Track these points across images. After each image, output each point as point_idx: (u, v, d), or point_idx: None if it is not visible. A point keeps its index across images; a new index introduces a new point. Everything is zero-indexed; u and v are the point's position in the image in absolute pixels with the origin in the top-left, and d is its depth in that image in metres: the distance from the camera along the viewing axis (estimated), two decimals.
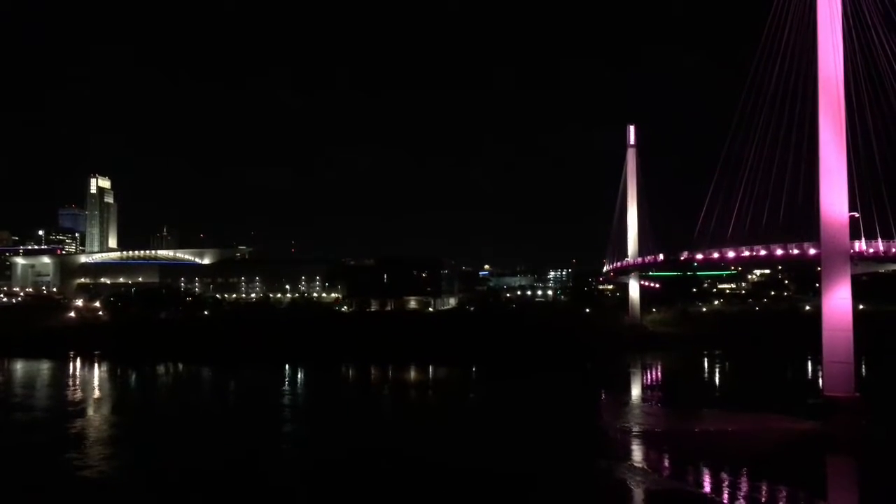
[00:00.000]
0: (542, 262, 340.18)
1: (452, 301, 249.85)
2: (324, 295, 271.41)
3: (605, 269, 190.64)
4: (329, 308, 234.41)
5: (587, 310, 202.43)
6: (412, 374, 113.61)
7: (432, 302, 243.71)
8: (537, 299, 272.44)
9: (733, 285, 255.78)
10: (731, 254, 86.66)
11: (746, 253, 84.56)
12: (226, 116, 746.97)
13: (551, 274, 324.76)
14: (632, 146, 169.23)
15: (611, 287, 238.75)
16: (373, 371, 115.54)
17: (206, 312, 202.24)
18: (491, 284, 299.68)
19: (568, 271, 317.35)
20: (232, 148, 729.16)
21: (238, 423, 71.25)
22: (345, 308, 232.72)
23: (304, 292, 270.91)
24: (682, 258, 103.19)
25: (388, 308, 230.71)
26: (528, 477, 47.01)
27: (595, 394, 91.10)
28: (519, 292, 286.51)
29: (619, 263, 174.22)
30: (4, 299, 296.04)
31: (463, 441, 58.74)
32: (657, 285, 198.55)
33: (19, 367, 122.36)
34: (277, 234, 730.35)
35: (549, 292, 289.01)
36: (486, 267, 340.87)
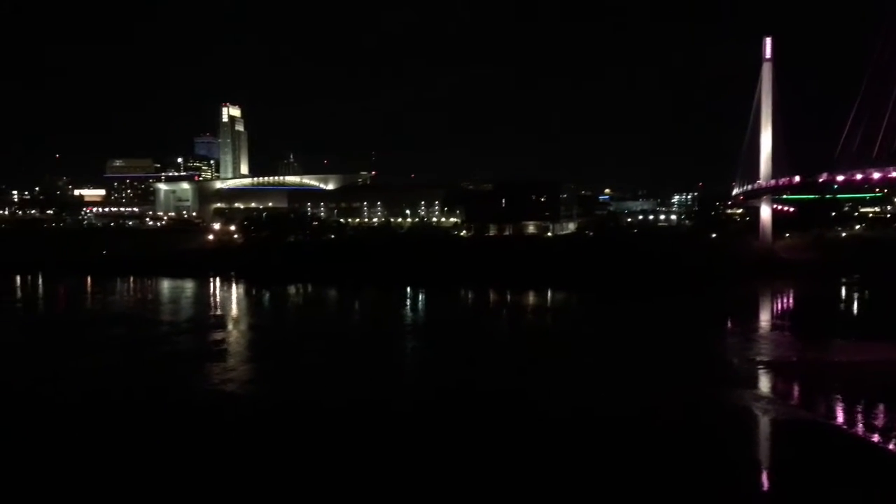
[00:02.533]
0: (665, 186, 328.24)
1: (571, 226, 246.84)
2: (442, 219, 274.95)
3: (734, 192, 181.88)
4: (447, 232, 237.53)
5: (713, 235, 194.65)
6: (530, 298, 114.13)
7: (550, 227, 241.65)
8: (659, 224, 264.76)
9: (877, 209, 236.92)
10: (876, 175, 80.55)
11: (895, 174, 78.03)
12: (335, 39, 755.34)
13: (675, 198, 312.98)
14: (767, 60, 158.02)
15: (739, 211, 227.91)
16: (490, 295, 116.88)
17: (331, 236, 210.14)
18: (611, 209, 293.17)
19: (693, 195, 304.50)
20: (346, 73, 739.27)
21: (361, 342, 74.30)
22: (463, 233, 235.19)
23: (423, 217, 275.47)
24: (819, 180, 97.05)
25: (506, 233, 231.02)
26: (650, 409, 46.47)
27: (720, 321, 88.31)
28: (640, 217, 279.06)
29: (749, 186, 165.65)
30: (150, 223, 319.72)
31: (582, 370, 58.36)
32: (791, 209, 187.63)
33: (165, 285, 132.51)
34: (397, 159, 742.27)
35: (673, 217, 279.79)
36: (607, 191, 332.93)
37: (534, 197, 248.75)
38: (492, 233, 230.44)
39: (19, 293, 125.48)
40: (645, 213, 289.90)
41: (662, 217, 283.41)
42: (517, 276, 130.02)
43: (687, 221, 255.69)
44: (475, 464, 35.98)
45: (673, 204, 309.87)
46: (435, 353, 68.42)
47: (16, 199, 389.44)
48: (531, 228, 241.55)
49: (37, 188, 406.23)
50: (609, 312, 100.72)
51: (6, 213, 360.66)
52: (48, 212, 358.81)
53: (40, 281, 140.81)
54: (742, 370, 59.29)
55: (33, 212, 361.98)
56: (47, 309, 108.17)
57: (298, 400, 48.84)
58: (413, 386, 55.20)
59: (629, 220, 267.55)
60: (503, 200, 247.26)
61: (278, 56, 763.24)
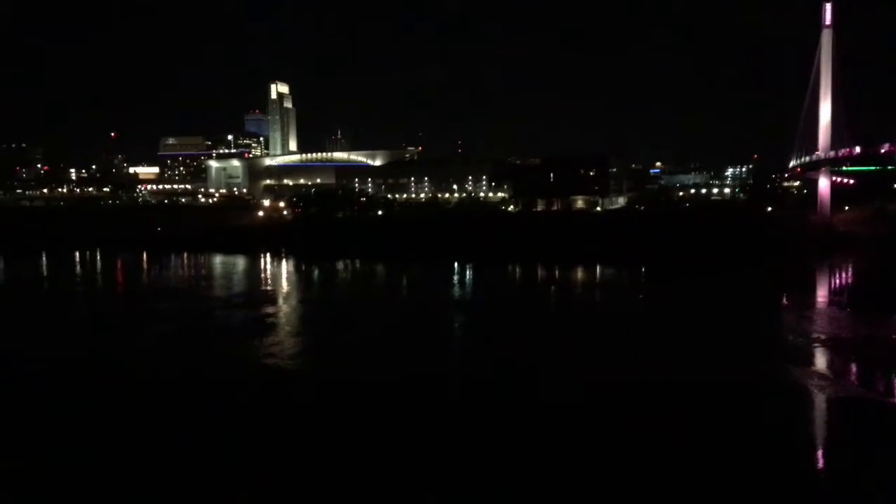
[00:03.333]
0: (718, 159, 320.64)
1: (621, 200, 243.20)
2: (490, 194, 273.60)
3: (791, 164, 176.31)
4: (495, 207, 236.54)
5: (769, 208, 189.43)
6: (579, 273, 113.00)
7: (600, 201, 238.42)
8: (713, 198, 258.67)
9: None
10: None
11: None
12: (382, 14, 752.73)
13: (729, 171, 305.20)
14: (827, 27, 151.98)
15: (796, 184, 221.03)
16: (539, 270, 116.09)
17: (378, 212, 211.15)
18: (662, 183, 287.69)
19: (748, 168, 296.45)
20: (393, 49, 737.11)
21: (411, 317, 74.53)
22: (510, 207, 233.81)
23: (470, 192, 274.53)
24: (882, 151, 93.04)
25: (555, 207, 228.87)
26: (706, 386, 45.61)
27: (776, 296, 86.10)
28: (693, 191, 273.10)
29: (807, 158, 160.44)
30: (202, 200, 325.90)
31: (634, 347, 57.39)
32: (850, 181, 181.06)
33: (218, 261, 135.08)
34: (444, 134, 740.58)
35: (727, 190, 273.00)
36: (658, 164, 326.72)
37: (582, 171, 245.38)
38: (540, 208, 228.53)
39: (79, 269, 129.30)
40: (697, 186, 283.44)
41: (716, 191, 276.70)
42: (565, 251, 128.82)
43: (741, 195, 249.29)
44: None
45: (726, 177, 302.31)
46: (484, 328, 68.21)
47: (74, 178, 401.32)
48: (580, 203, 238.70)
49: (93, 166, 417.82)
50: (661, 288, 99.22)
51: (65, 190, 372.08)
52: (104, 189, 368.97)
53: (98, 257, 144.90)
54: (799, 347, 57.73)
55: (90, 189, 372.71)
56: (106, 284, 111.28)
57: (351, 375, 49.16)
58: (470, 361, 54.88)
59: (681, 193, 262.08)
60: (551, 175, 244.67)
61: (326, 31, 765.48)
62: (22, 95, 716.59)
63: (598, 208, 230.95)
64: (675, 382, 45.86)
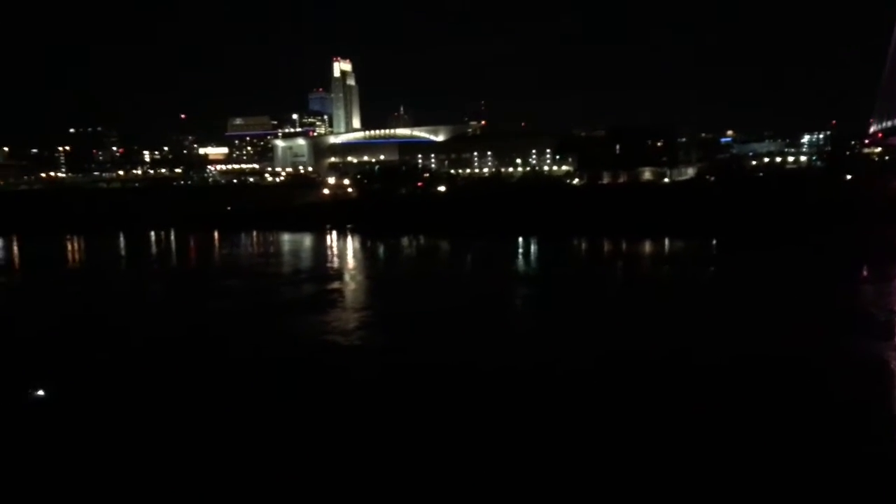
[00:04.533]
0: (793, 126, 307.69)
1: (690, 171, 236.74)
2: (554, 168, 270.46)
3: (872, 129, 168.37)
4: (559, 181, 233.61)
5: (847, 176, 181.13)
6: (646, 246, 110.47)
7: (668, 172, 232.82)
8: (788, 166, 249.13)
9: None
10: None
11: None
12: None
13: (805, 138, 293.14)
14: None
15: (878, 150, 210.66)
16: (605, 244, 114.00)
17: (441, 188, 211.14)
18: (734, 152, 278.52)
19: (826, 134, 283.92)
20: (457, 23, 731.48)
21: (477, 293, 74.17)
22: (576, 181, 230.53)
23: (534, 166, 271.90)
24: None
25: (621, 180, 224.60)
26: (784, 360, 43.92)
27: (856, 269, 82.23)
28: (766, 160, 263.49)
29: (889, 122, 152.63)
30: (269, 179, 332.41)
31: (706, 322, 55.67)
32: None
33: (285, 238, 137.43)
34: (507, 108, 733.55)
35: (803, 158, 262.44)
36: (729, 133, 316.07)
37: (649, 142, 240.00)
38: (605, 181, 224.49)
39: (154, 248, 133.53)
40: (771, 155, 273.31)
41: (791, 159, 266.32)
42: (633, 224, 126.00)
43: (818, 163, 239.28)
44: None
45: (802, 145, 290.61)
46: (552, 305, 67.35)
47: (147, 159, 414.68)
48: (647, 175, 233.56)
49: (165, 148, 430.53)
50: (734, 261, 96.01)
51: (139, 172, 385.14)
52: (176, 170, 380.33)
53: (172, 236, 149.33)
54: (879, 321, 54.93)
55: (163, 170, 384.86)
56: (179, 262, 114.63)
57: (419, 351, 49.15)
58: (543, 338, 54.13)
59: (754, 163, 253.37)
60: (617, 147, 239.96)
61: (390, 5, 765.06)
62: (96, 80, 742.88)
63: (667, 180, 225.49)
64: (766, 356, 44.41)
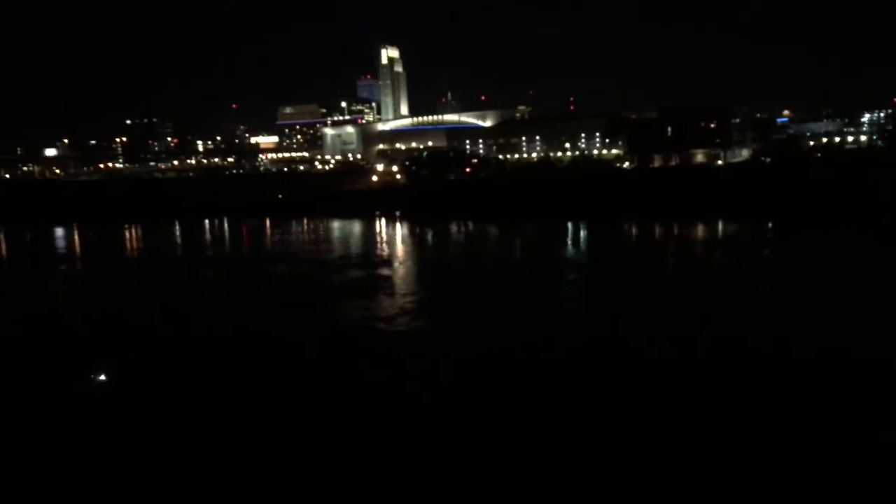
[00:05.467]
0: (853, 105, 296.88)
1: (745, 152, 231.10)
2: (604, 151, 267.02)
3: None
4: (609, 165, 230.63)
5: None
6: (699, 231, 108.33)
7: (721, 154, 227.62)
8: (847, 146, 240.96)
9: None
10: None
11: None
12: None
13: (865, 117, 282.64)
14: None
15: None
16: (657, 228, 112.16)
17: (489, 173, 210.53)
18: (790, 132, 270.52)
19: (887, 113, 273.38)
20: (503, 6, 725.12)
21: (525, 280, 73.85)
22: (625, 165, 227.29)
23: (583, 150, 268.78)
24: None
25: (673, 163, 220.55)
26: (841, 348, 42.54)
27: None
28: (825, 140, 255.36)
29: None
30: (319, 166, 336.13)
31: (766, 312, 53.67)
32: None
33: (335, 225, 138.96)
34: (555, 91, 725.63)
35: (863, 138, 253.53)
36: (786, 113, 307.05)
37: (702, 123, 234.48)
38: (656, 164, 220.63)
39: (208, 235, 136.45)
40: (830, 135, 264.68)
41: (850, 139, 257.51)
42: (686, 207, 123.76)
43: (880, 142, 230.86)
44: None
45: (863, 124, 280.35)
46: (604, 291, 66.62)
47: (200, 149, 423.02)
48: (700, 157, 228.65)
49: (217, 137, 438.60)
50: (795, 245, 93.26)
51: (193, 161, 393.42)
52: (228, 159, 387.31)
53: (225, 223, 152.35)
54: None
55: (216, 159, 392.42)
56: (232, 249, 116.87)
57: (471, 342, 49.13)
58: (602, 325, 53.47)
59: (811, 143, 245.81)
60: (668, 128, 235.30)
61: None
62: (150, 71, 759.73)
63: (720, 162, 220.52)
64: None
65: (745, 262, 79.65)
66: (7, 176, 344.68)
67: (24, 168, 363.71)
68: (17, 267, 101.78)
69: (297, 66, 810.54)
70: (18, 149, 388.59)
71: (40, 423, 34.21)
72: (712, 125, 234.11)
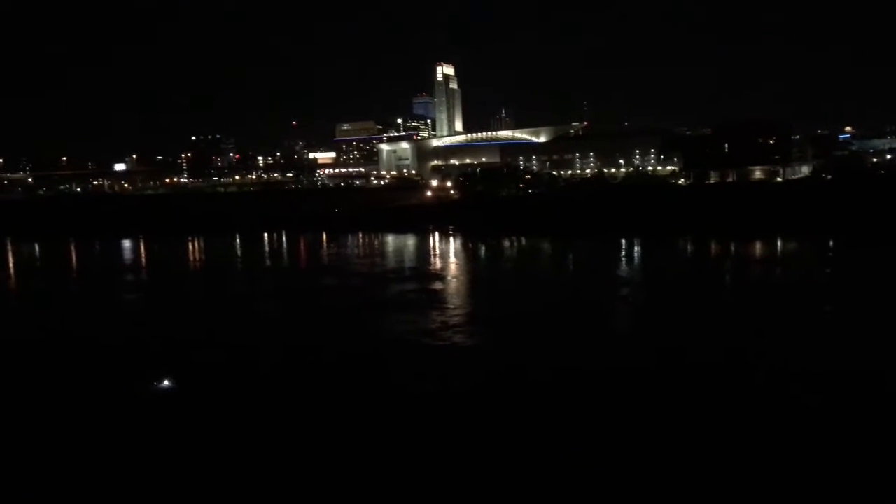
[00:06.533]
0: None
1: (805, 169, 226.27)
2: (658, 168, 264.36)
3: None
4: (664, 181, 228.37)
5: None
6: (756, 247, 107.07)
7: (780, 171, 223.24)
8: None
9: None
10: None
11: None
12: None
13: None
14: None
15: None
16: (712, 245, 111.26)
17: (543, 189, 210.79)
18: (853, 148, 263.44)
19: None
20: (556, 19, 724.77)
21: (577, 296, 74.43)
22: (681, 181, 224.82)
23: (637, 165, 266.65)
24: None
25: (730, 179, 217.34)
26: None
27: None
28: (889, 156, 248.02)
29: None
30: (375, 182, 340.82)
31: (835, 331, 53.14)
32: None
33: (390, 239, 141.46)
34: (610, 107, 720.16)
35: None
36: (847, 129, 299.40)
37: (760, 139, 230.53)
38: (713, 180, 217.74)
39: (266, 247, 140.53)
40: (894, 151, 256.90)
41: None
42: (743, 223, 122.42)
43: None
44: None
45: None
46: (657, 310, 66.88)
47: (261, 164, 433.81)
48: (758, 174, 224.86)
49: (277, 153, 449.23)
50: (854, 264, 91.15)
51: (254, 176, 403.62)
52: (288, 174, 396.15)
53: (284, 236, 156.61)
54: None
55: (275, 175, 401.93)
56: (290, 261, 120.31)
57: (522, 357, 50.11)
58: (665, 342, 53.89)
59: (875, 160, 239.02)
60: (725, 144, 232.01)
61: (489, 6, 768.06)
62: (216, 90, 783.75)
63: (779, 178, 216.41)
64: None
65: (806, 281, 78.34)
66: (78, 189, 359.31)
67: (95, 182, 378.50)
68: (86, 276, 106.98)
69: (356, 84, 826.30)
70: (90, 163, 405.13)
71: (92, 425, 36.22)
72: (771, 141, 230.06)
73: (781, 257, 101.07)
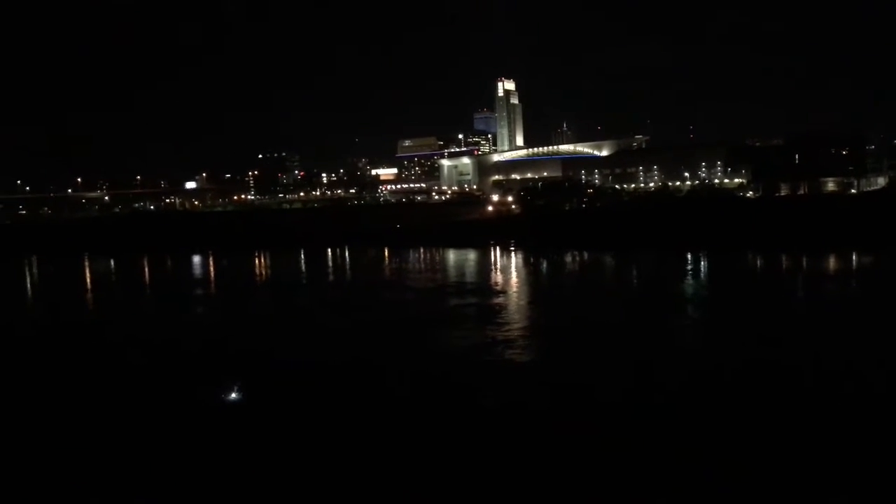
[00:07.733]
0: None
1: (881, 181, 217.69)
2: (725, 181, 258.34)
3: None
4: (731, 194, 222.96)
5: None
6: (830, 261, 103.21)
7: (855, 182, 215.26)
8: None
9: None
10: None
11: None
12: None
13: None
14: None
15: None
16: (782, 259, 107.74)
17: (606, 203, 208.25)
18: None
19: None
20: (620, 32, 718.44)
21: (644, 313, 73.00)
22: (749, 193, 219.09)
23: (703, 178, 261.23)
24: None
25: (801, 192, 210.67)
26: None
27: None
28: None
29: None
30: (436, 197, 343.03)
31: None
32: None
33: (451, 255, 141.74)
34: (673, 118, 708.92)
35: None
36: None
37: (833, 150, 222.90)
38: (784, 192, 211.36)
39: (329, 262, 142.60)
40: None
41: None
42: (816, 237, 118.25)
43: None
44: None
45: None
46: (726, 327, 65.01)
47: (325, 181, 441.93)
48: (830, 185, 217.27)
49: (341, 170, 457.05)
50: None
51: (318, 193, 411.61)
52: (351, 191, 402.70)
53: (346, 251, 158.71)
54: None
55: (339, 191, 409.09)
56: (353, 275, 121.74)
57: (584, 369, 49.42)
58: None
59: None
60: (796, 156, 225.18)
61: (551, 20, 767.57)
62: (282, 108, 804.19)
63: (853, 191, 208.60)
64: None
65: (882, 296, 75.18)
66: (151, 207, 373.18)
67: (167, 200, 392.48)
68: (157, 290, 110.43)
69: (418, 99, 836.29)
70: (163, 182, 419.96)
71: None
72: (844, 152, 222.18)
73: (858, 272, 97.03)
